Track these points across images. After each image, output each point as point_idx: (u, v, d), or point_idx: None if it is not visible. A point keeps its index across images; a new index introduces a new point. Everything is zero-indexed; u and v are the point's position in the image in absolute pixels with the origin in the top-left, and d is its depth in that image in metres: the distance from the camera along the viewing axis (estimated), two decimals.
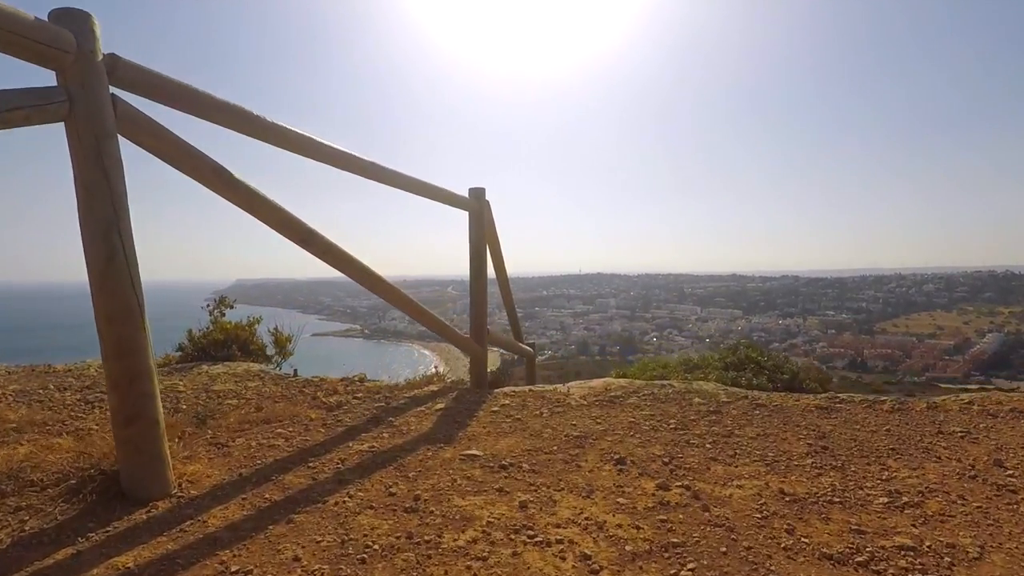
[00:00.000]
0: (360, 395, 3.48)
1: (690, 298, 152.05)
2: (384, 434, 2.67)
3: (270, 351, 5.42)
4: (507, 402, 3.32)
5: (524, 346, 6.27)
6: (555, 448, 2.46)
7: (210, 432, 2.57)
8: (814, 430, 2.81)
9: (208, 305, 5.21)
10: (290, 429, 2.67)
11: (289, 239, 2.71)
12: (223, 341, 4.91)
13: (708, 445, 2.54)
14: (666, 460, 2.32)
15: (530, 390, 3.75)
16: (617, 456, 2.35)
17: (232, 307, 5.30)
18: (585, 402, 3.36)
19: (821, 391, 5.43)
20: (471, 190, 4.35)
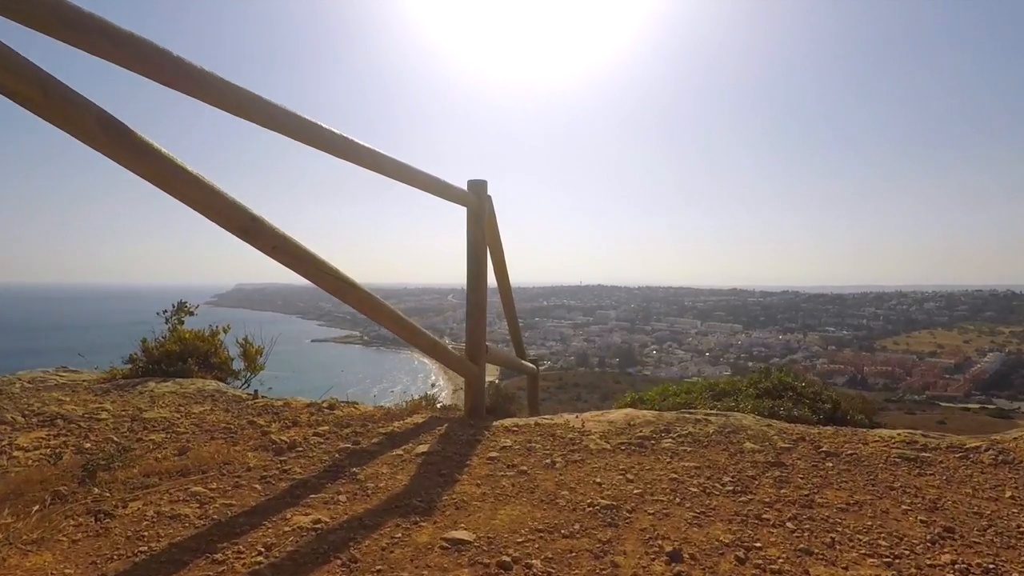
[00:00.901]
0: (325, 428, 2.78)
1: (690, 311, 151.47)
2: (341, 495, 1.96)
3: (238, 364, 4.71)
4: (508, 442, 2.61)
5: (527, 363, 5.57)
6: (577, 528, 1.75)
7: (97, 490, 1.86)
8: (917, 496, 2.10)
9: (166, 312, 4.50)
10: (213, 486, 1.96)
11: (224, 227, 2.02)
12: (179, 354, 4.20)
13: (789, 523, 1.83)
14: (740, 554, 1.61)
15: (536, 423, 3.05)
16: (668, 545, 1.64)
17: (193, 313, 4.59)
18: (608, 444, 2.65)
19: (868, 423, 4.73)
20: (471, 183, 3.68)
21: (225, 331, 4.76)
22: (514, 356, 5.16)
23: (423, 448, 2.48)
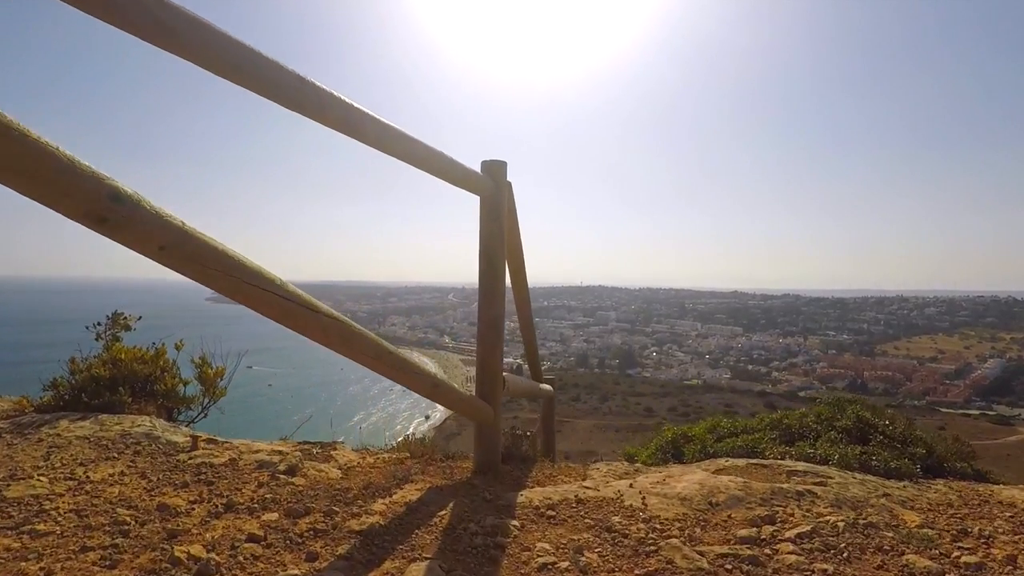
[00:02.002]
0: (272, 517, 1.86)
1: (691, 313, 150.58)
2: None
3: (193, 389, 3.80)
4: (549, 557, 1.70)
5: (544, 386, 4.66)
6: None
7: None
8: None
9: (100, 325, 3.58)
10: None
11: (67, 215, 1.12)
12: (109, 381, 3.29)
13: None
14: None
15: (578, 500, 2.15)
16: None
17: (133, 328, 3.67)
18: (699, 555, 1.73)
19: (971, 472, 3.83)
20: (486, 164, 2.78)
21: (178, 348, 3.85)
22: (532, 383, 4.25)
23: (417, 573, 1.56)
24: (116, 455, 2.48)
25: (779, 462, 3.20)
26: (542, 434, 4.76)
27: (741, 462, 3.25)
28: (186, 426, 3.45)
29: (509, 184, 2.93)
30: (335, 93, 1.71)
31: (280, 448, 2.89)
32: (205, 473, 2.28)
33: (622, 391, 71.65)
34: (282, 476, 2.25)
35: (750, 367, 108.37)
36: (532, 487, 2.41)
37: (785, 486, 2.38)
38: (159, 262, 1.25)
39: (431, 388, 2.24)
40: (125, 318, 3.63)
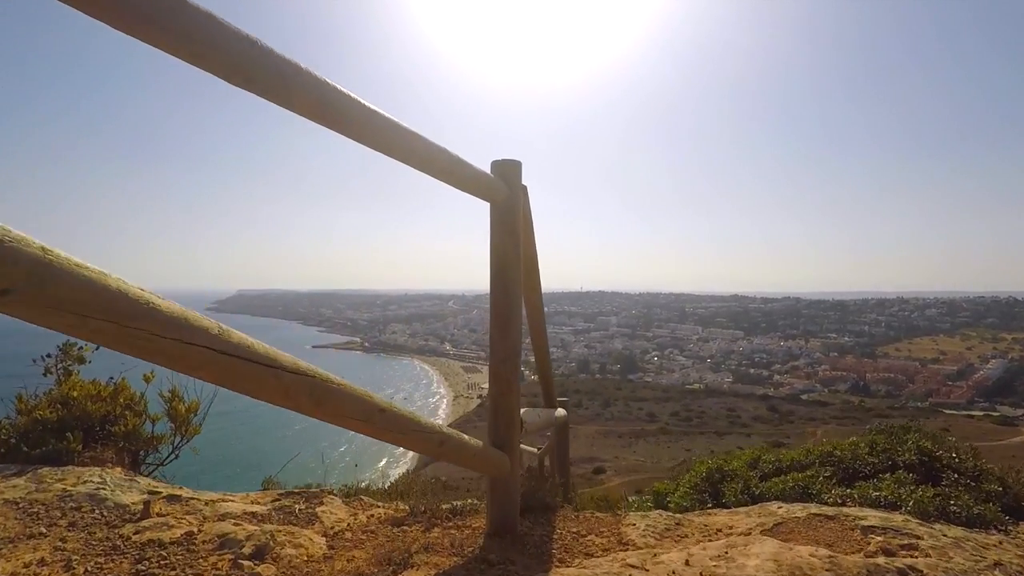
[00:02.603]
0: None
1: (691, 318, 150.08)
2: None
3: (162, 427, 3.31)
4: None
5: (559, 411, 4.17)
6: None
7: None
8: None
9: (47, 357, 3.08)
10: None
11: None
12: (56, 424, 2.80)
13: None
14: None
15: None
16: None
17: (88, 361, 3.18)
18: None
19: None
20: (497, 164, 2.30)
21: (147, 380, 3.35)
22: (549, 412, 3.76)
23: None
24: (45, 529, 2.00)
25: (844, 511, 2.73)
26: (556, 466, 4.27)
27: (799, 510, 2.78)
28: (149, 475, 2.96)
29: (524, 188, 2.46)
30: (304, 67, 1.24)
31: (256, 505, 2.41)
32: (150, 558, 1.79)
33: (624, 396, 71.02)
34: (246, 562, 1.76)
35: (752, 370, 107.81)
36: (562, 565, 1.93)
37: (880, 562, 1.89)
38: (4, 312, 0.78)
39: (437, 447, 1.76)
40: (79, 349, 3.13)
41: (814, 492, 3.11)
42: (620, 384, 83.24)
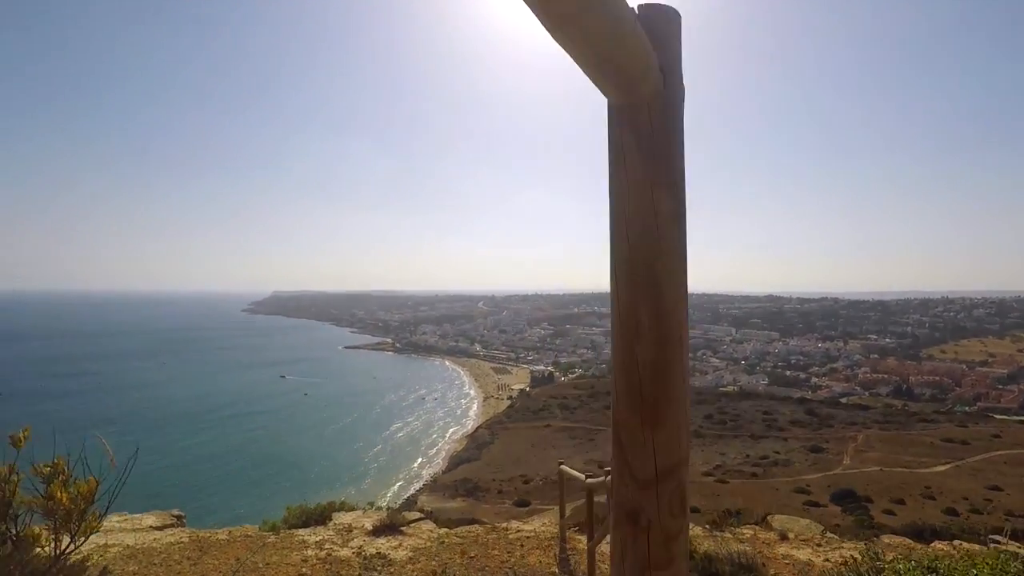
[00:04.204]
0: None
1: (725, 318, 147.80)
2: None
3: (38, 522, 2.37)
4: None
5: None
6: None
7: None
8: None
9: None
10: None
11: None
12: None
13: None
14: None
15: None
16: None
17: None
18: None
19: None
20: (645, 8, 1.25)
21: (16, 444, 2.29)
22: None
23: None
24: None
25: None
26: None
27: None
28: None
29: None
30: None
31: None
32: None
33: None
34: None
35: (788, 372, 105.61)
36: None
37: None
38: None
39: None
40: None
41: None
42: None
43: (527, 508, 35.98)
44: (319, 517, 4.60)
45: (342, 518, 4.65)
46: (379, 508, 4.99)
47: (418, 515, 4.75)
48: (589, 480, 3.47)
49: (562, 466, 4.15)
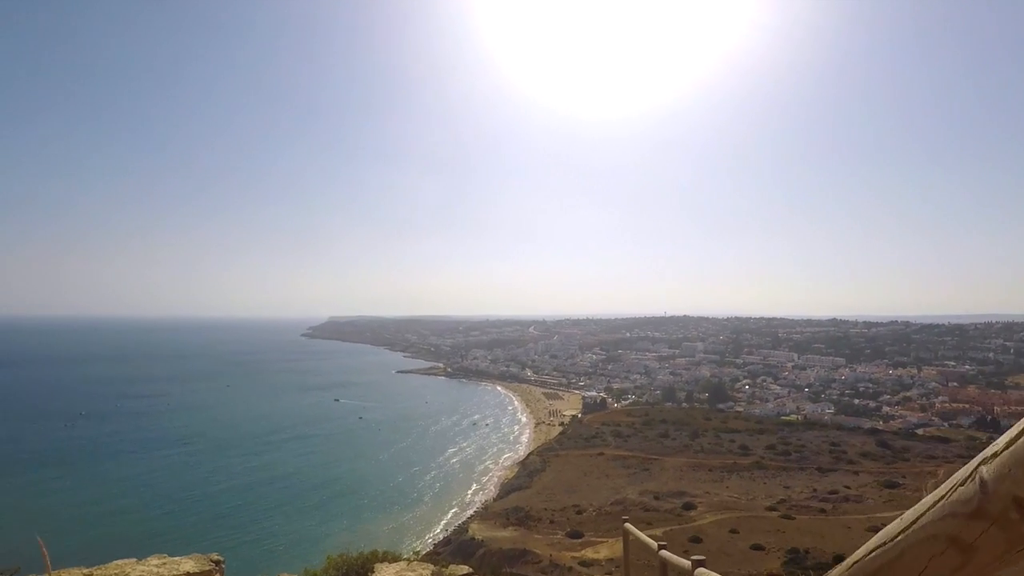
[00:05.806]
0: None
1: (785, 343, 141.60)
2: None
3: None
4: None
5: None
6: None
7: None
8: None
9: None
10: None
11: None
12: None
13: None
14: None
15: None
16: None
17: None
18: None
19: None
20: None
21: None
22: None
23: None
24: None
25: None
26: None
27: None
28: None
29: None
30: None
31: None
32: None
33: (714, 427, 67.73)
34: None
35: (856, 401, 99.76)
36: None
37: None
38: None
39: None
40: None
41: None
42: (709, 414, 79.57)
43: (580, 540, 34.99)
44: (360, 569, 4.41)
45: (384, 571, 4.43)
46: (423, 560, 4.80)
47: (465, 570, 4.55)
48: (663, 552, 2.72)
49: (627, 524, 3.65)
